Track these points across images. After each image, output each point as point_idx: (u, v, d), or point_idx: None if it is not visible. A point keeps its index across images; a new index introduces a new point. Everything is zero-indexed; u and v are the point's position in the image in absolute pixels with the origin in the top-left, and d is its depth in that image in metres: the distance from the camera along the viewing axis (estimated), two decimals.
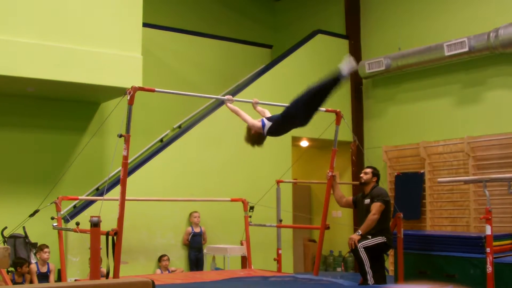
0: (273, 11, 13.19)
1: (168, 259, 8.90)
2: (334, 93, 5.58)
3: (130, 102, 5.74)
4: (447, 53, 9.49)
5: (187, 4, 11.83)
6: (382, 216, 6.85)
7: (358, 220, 7.54)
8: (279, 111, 6.04)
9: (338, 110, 7.44)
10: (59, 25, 8.19)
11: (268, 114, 6.12)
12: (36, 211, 7.14)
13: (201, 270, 8.94)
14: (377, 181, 7.17)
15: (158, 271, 8.82)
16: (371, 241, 6.75)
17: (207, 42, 11.46)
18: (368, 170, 7.17)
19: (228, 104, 6.25)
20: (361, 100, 11.34)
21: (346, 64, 5.31)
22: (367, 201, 7.00)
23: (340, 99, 10.95)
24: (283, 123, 5.87)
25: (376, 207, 6.82)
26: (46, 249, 8.17)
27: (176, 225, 9.22)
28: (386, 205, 6.90)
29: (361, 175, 7.21)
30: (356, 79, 11.24)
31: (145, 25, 9.14)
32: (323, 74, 11.13)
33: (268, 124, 5.86)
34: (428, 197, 9.83)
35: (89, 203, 8.52)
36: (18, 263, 7.83)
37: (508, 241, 7.39)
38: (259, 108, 6.49)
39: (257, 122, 5.91)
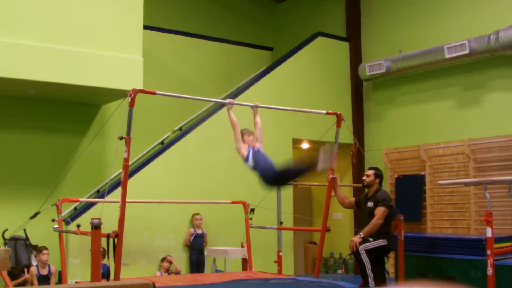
0: (274, 13, 13.20)
1: (169, 261, 8.89)
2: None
3: (131, 105, 5.75)
4: (447, 56, 9.49)
5: (188, 7, 11.84)
6: (384, 219, 6.85)
7: (359, 221, 7.54)
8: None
9: (338, 112, 7.45)
10: (59, 28, 8.20)
11: (260, 140, 6.31)
12: (37, 213, 7.15)
13: (202, 272, 8.94)
14: (380, 182, 7.16)
15: (158, 273, 8.81)
16: (372, 244, 6.75)
17: (208, 44, 11.47)
18: (370, 172, 7.14)
19: (231, 113, 6.29)
20: (361, 103, 11.34)
21: (324, 162, 5.82)
22: (370, 204, 6.99)
23: (340, 101, 11.00)
24: (261, 175, 6.12)
25: (380, 212, 6.81)
26: (45, 251, 8.15)
27: (177, 227, 9.23)
28: (390, 210, 6.90)
29: (364, 177, 7.20)
30: (356, 81, 11.25)
31: (145, 27, 9.14)
32: (324, 77, 11.14)
33: (250, 163, 6.13)
34: (428, 199, 9.83)
35: (90, 205, 8.53)
36: (14, 274, 7.78)
37: (509, 243, 7.40)
38: (257, 119, 6.53)
39: (243, 150, 6.15)
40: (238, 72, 11.73)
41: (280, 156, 10.18)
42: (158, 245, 9.04)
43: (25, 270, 7.91)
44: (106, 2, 8.65)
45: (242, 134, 6.23)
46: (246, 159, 6.12)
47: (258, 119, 6.55)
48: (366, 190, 7.25)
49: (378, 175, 7.14)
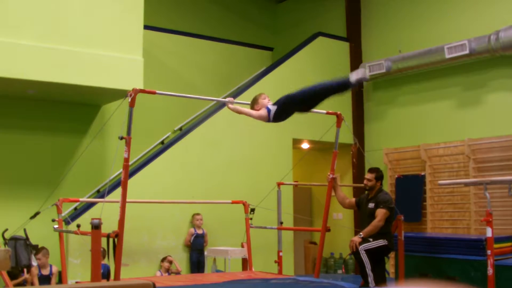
0: (274, 13, 13.20)
1: (170, 261, 8.89)
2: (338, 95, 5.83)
3: (131, 105, 5.75)
4: (447, 56, 9.49)
5: (188, 6, 11.84)
6: (385, 221, 6.85)
7: (359, 221, 7.55)
8: None
9: (338, 112, 7.44)
10: (60, 27, 8.21)
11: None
12: (37, 213, 7.15)
13: (202, 272, 8.94)
14: (381, 183, 7.17)
15: (158, 273, 8.81)
16: (372, 244, 6.75)
17: (208, 44, 11.47)
18: (371, 176, 7.12)
19: (229, 105, 6.22)
20: (361, 103, 11.34)
21: (357, 73, 5.43)
22: (371, 205, 7.00)
23: (340, 102, 10.96)
24: (287, 107, 5.88)
25: (381, 213, 6.81)
26: (38, 255, 7.95)
27: (177, 227, 9.23)
28: (391, 211, 6.91)
29: (365, 182, 7.19)
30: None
31: (146, 27, 9.15)
32: (324, 77, 11.11)
33: (273, 109, 5.85)
34: (428, 200, 9.83)
35: (90, 205, 8.53)
36: (13, 274, 7.75)
37: (509, 243, 7.40)
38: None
39: (262, 112, 5.89)
40: (239, 72, 11.73)
41: (279, 156, 10.24)
42: (158, 245, 9.04)
43: (25, 270, 7.90)
44: (106, 2, 8.65)
45: (256, 99, 6.01)
46: (268, 115, 5.85)
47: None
48: (367, 191, 7.26)
49: (379, 177, 7.14)
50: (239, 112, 6.03)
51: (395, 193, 10.16)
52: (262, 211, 8.34)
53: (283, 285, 6.64)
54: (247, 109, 6.00)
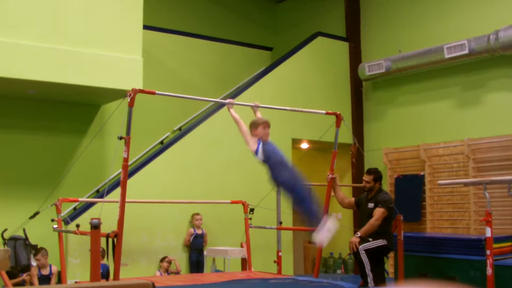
0: (274, 13, 13.20)
1: (169, 261, 8.90)
2: None
3: (131, 104, 5.75)
4: (447, 56, 9.50)
5: (188, 6, 11.84)
6: (384, 220, 6.85)
7: (359, 221, 7.55)
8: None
9: (338, 112, 7.44)
10: (59, 27, 8.21)
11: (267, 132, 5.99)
12: (36, 213, 7.15)
13: (201, 272, 8.95)
14: (380, 183, 7.18)
15: (158, 273, 8.82)
16: (372, 244, 6.76)
17: (208, 44, 11.47)
18: (369, 178, 7.12)
19: (232, 111, 6.16)
20: (361, 103, 11.35)
21: (321, 237, 5.45)
22: (371, 205, 7.01)
23: (340, 102, 11.01)
24: (269, 168, 5.86)
25: (379, 213, 6.81)
26: (37, 256, 7.95)
27: (177, 227, 9.23)
28: (390, 211, 6.91)
29: (363, 183, 7.20)
30: (356, 81, 11.26)
31: (145, 27, 9.14)
32: (324, 77, 11.05)
33: (260, 156, 5.80)
34: (428, 199, 9.84)
35: (89, 205, 8.53)
36: (13, 274, 7.75)
37: (508, 243, 7.40)
38: (258, 114, 6.44)
39: (252, 144, 5.83)
40: (238, 72, 11.73)
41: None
42: (158, 245, 9.04)
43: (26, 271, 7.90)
44: (106, 2, 8.65)
45: (257, 125, 5.91)
46: (255, 153, 5.81)
47: (259, 115, 6.45)
48: (366, 192, 7.26)
49: (377, 178, 7.14)
50: (237, 123, 5.97)
51: (394, 193, 10.17)
52: (262, 211, 8.34)
53: (283, 285, 6.64)
54: (244, 126, 5.90)
